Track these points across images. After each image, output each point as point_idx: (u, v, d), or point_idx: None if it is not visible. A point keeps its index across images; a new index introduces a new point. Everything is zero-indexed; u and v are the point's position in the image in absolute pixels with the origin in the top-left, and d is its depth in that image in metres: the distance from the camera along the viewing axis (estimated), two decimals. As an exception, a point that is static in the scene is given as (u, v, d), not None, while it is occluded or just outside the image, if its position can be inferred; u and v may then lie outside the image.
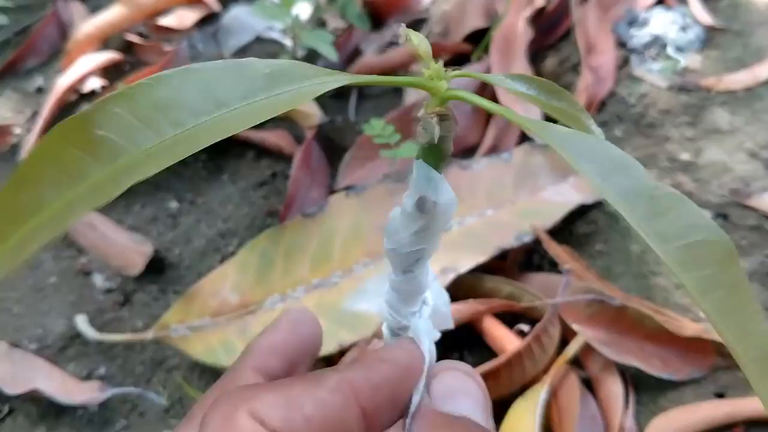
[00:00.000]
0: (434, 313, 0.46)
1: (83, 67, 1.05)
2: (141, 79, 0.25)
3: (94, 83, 1.04)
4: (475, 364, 0.65)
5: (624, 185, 0.28)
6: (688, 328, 0.65)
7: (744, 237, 0.74)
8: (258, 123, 0.26)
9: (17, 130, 1.01)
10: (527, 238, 0.72)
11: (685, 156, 0.82)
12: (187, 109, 0.25)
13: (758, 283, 0.71)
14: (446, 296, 0.44)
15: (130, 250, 0.80)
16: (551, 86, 0.31)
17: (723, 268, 0.28)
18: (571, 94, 0.32)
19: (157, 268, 0.81)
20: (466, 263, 0.69)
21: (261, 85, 0.27)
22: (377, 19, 1.11)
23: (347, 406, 0.29)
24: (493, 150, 0.89)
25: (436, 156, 0.32)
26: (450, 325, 0.47)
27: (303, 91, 0.27)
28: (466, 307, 0.66)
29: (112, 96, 0.24)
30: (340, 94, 1.04)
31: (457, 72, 0.29)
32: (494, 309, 0.67)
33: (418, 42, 0.31)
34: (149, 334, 0.70)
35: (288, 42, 1.07)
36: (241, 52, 1.11)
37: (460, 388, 0.33)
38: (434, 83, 0.31)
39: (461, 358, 0.70)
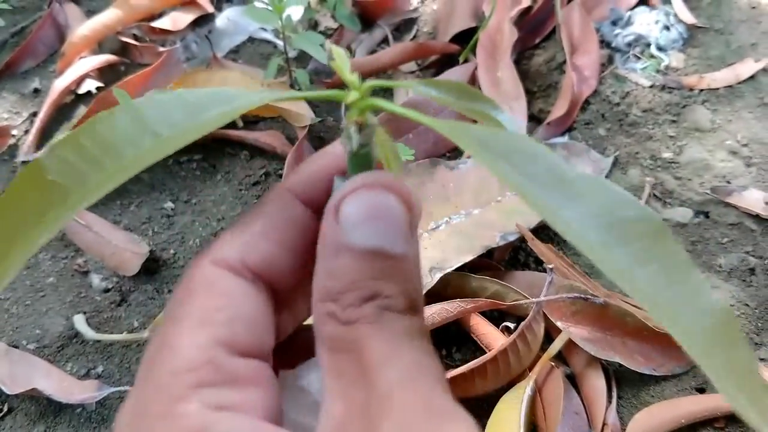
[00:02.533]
0: None
1: (79, 69, 1.06)
2: (85, 122, 0.28)
3: (90, 85, 1.06)
4: (463, 361, 0.68)
5: (537, 174, 0.30)
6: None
7: (724, 234, 0.76)
8: (189, 142, 0.29)
9: (15, 132, 1.02)
10: (512, 237, 0.74)
11: (667, 154, 0.84)
12: (126, 142, 0.28)
13: (738, 279, 0.73)
14: None
15: (126, 250, 0.82)
16: (463, 87, 0.33)
17: (654, 241, 0.30)
18: (483, 94, 0.34)
19: (152, 267, 0.83)
20: (452, 262, 0.71)
21: (189, 111, 0.30)
22: (368, 20, 1.13)
23: (289, 205, 0.31)
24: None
25: (361, 164, 0.34)
26: None
27: (227, 111, 0.30)
28: (453, 307, 0.68)
29: (60, 142, 0.28)
30: (332, 93, 1.06)
31: (371, 83, 0.31)
32: (480, 308, 0.69)
33: (338, 56, 0.33)
34: (145, 334, 0.72)
35: (280, 42, 1.09)
36: (234, 52, 1.13)
37: (375, 209, 0.29)
38: (349, 95, 0.33)
39: (449, 355, 0.72)
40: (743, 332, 0.67)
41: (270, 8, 0.92)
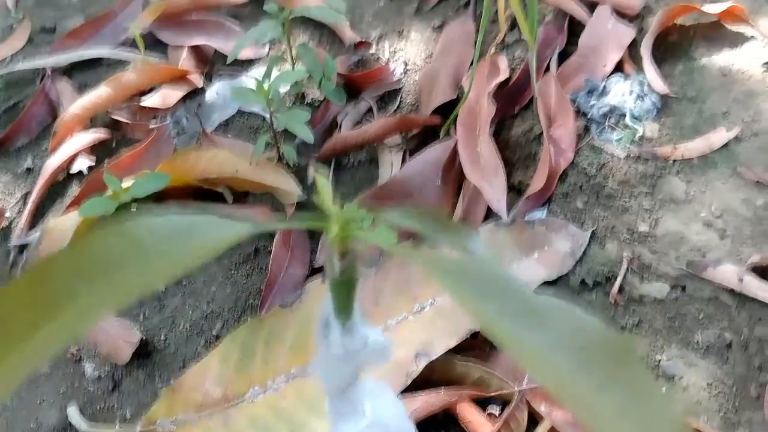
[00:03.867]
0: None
1: (71, 148, 1.09)
2: (79, 240, 0.29)
3: (82, 164, 1.08)
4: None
5: (506, 305, 0.32)
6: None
7: (701, 310, 0.79)
8: (178, 271, 0.31)
9: (8, 213, 1.05)
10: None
11: (643, 227, 0.87)
12: (117, 266, 0.30)
13: (715, 356, 0.75)
14: (406, 420, 0.48)
15: (118, 337, 0.84)
16: (438, 216, 0.35)
17: (618, 366, 0.32)
18: (455, 223, 0.37)
19: (144, 353, 0.84)
20: (438, 347, 0.73)
21: (177, 238, 0.32)
22: (353, 91, 1.16)
23: None
24: (464, 222, 0.93)
25: (344, 290, 0.37)
26: None
27: (212, 242, 0.32)
28: (438, 398, 0.70)
29: (53, 257, 0.29)
30: (318, 166, 1.09)
31: (351, 210, 0.34)
32: (464, 398, 0.71)
33: (321, 188, 0.36)
34: (137, 428, 0.74)
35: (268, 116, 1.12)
36: (224, 126, 1.16)
37: None
38: (332, 225, 0.35)
39: (436, 438, 0.74)
40: (722, 410, 0.70)
41: (255, 90, 0.95)
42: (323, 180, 0.37)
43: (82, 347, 0.85)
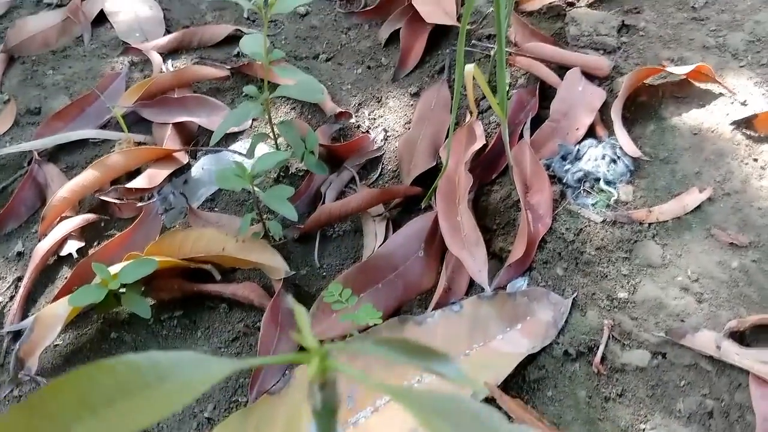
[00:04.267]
0: None
1: (60, 232, 1.11)
2: (68, 376, 0.31)
3: (72, 246, 1.10)
4: None
5: None
6: (632, 474, 0.70)
7: (682, 377, 0.81)
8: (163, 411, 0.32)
9: (0, 299, 1.06)
10: (482, 395, 0.78)
11: (622, 294, 0.89)
12: (104, 404, 0.32)
13: (698, 424, 0.77)
14: None
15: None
16: (416, 345, 0.37)
17: None
18: (430, 349, 0.39)
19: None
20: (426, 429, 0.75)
21: (160, 376, 0.34)
22: (336, 160, 1.19)
23: None
24: (448, 292, 0.95)
25: (327, 415, 0.39)
26: None
27: (198, 379, 0.33)
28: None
29: (45, 391, 0.31)
30: (304, 238, 1.11)
31: (329, 345, 0.36)
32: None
33: (302, 323, 0.38)
34: None
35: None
36: (211, 201, 1.18)
37: None
38: (312, 359, 0.37)
39: None
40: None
41: (238, 173, 0.98)
42: (303, 317, 0.39)
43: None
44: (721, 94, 1.10)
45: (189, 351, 0.36)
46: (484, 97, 1.19)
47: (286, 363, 0.38)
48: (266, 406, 0.77)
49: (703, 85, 1.12)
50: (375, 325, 0.85)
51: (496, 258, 1.01)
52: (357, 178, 1.16)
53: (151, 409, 0.32)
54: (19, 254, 1.13)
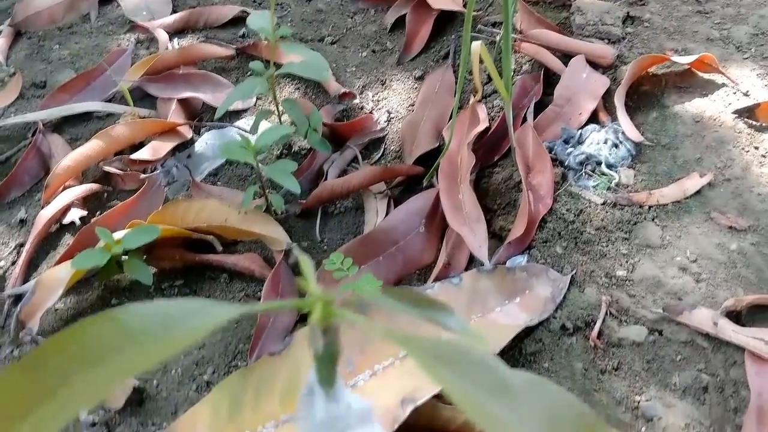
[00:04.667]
0: None
1: (63, 200, 1.11)
2: (72, 327, 0.31)
3: (75, 214, 1.11)
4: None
5: (482, 383, 0.35)
6: (627, 444, 0.71)
7: (678, 352, 0.81)
8: (168, 354, 0.33)
9: (2, 263, 1.06)
10: (478, 363, 0.78)
11: (621, 272, 0.90)
12: (111, 351, 0.32)
13: (692, 398, 0.77)
14: None
15: (112, 386, 0.85)
16: (420, 296, 0.38)
17: None
18: (437, 302, 0.40)
19: (137, 399, 0.86)
20: (423, 392, 0.75)
21: (167, 323, 0.34)
22: (338, 140, 1.19)
23: None
24: (447, 267, 0.96)
25: (328, 360, 0.40)
26: None
27: (201, 325, 0.34)
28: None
29: (49, 344, 0.31)
30: (306, 214, 1.12)
31: (333, 294, 0.36)
32: (449, 441, 0.73)
33: (306, 270, 0.39)
34: (131, 474, 0.75)
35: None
36: (214, 175, 1.19)
37: None
38: (315, 304, 0.38)
39: (422, 481, 0.75)
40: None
41: (242, 142, 0.98)
42: (307, 265, 0.40)
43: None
44: (723, 85, 1.11)
45: (193, 298, 0.37)
46: (488, 81, 1.20)
47: (290, 309, 0.38)
48: (266, 366, 0.78)
49: (706, 75, 1.13)
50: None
51: (496, 237, 1.02)
52: (359, 156, 1.17)
53: (159, 354, 0.33)
54: (22, 221, 1.13)
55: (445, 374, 0.34)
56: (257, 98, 1.29)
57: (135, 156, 1.14)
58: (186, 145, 1.22)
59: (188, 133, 1.22)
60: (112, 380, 0.32)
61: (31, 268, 1.06)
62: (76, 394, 0.31)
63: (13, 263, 1.07)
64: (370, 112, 1.24)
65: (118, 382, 0.32)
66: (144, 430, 0.84)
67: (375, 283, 0.86)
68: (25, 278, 1.04)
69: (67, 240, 1.09)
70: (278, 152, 1.20)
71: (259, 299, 0.98)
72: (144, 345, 0.34)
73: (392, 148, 1.19)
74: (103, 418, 0.85)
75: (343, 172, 1.16)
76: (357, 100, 1.26)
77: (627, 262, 0.91)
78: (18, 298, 1.01)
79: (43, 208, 1.11)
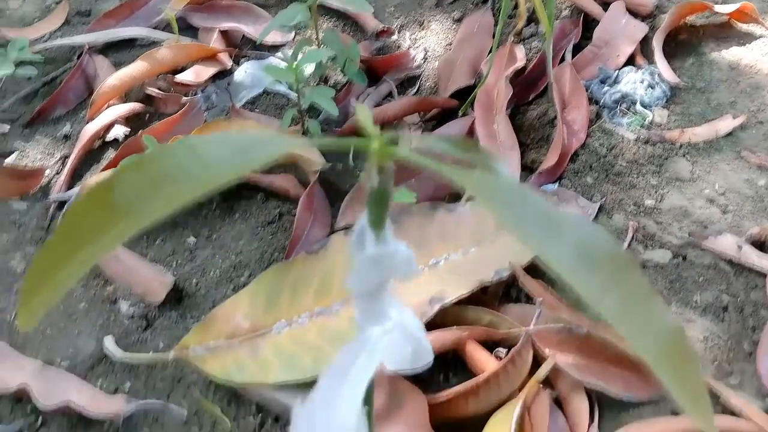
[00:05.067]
0: (411, 342, 0.55)
1: (107, 117, 1.15)
2: (148, 151, 0.34)
3: (118, 131, 1.14)
4: (457, 382, 0.74)
5: (527, 214, 0.37)
6: (647, 353, 0.73)
7: (700, 274, 0.83)
8: (236, 177, 0.36)
9: (47, 172, 1.10)
10: (506, 274, 0.81)
11: (649, 201, 0.92)
12: (182, 172, 0.35)
13: (712, 315, 0.80)
14: (422, 331, 0.53)
15: (153, 280, 0.89)
16: (464, 142, 0.41)
17: (621, 273, 0.37)
18: (483, 148, 0.42)
19: (176, 296, 0.90)
20: (451, 295, 0.78)
21: (236, 150, 0.37)
22: (374, 76, 1.22)
23: None
24: (479, 194, 0.98)
25: (380, 200, 0.43)
26: (428, 358, 0.57)
27: (269, 154, 0.37)
28: (450, 333, 0.75)
29: (125, 167, 0.34)
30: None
31: (389, 135, 0.39)
32: (475, 335, 0.76)
33: (361, 113, 0.42)
34: (170, 354, 0.79)
35: (294, 95, 1.18)
36: (251, 104, 1.22)
37: None
38: (372, 144, 0.41)
39: (446, 380, 0.78)
40: (716, 361, 0.74)
41: (285, 66, 1.01)
42: (363, 107, 0.42)
43: (117, 288, 0.90)
44: (762, 36, 1.12)
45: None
46: (527, 24, 1.22)
47: (346, 147, 0.41)
48: (303, 263, 0.81)
49: (744, 26, 1.14)
50: (409, 205, 0.88)
51: (528, 170, 1.04)
52: (395, 91, 1.20)
53: (227, 177, 0.36)
54: (66, 136, 1.17)
55: (498, 204, 0.37)
56: (295, 34, 1.32)
57: (178, 77, 1.17)
58: (225, 74, 1.25)
59: (228, 62, 1.25)
60: (182, 198, 0.35)
61: (75, 178, 1.10)
62: (148, 211, 0.34)
63: (58, 173, 1.11)
64: (407, 50, 1.26)
65: (187, 199, 0.35)
66: (183, 322, 0.87)
67: (409, 196, 0.88)
68: (69, 186, 1.08)
69: (111, 155, 1.13)
70: (315, 84, 1.22)
71: (293, 217, 1.01)
72: (215, 169, 0.36)
73: (428, 84, 1.21)
74: (143, 312, 0.88)
75: (378, 106, 1.19)
76: (395, 37, 1.28)
77: (656, 192, 0.93)
78: (62, 204, 1.04)
79: (87, 123, 1.15)
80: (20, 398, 0.80)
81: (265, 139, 0.39)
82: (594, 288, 0.37)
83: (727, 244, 0.84)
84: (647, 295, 0.41)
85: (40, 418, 0.79)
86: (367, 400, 0.57)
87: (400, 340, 0.60)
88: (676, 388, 0.42)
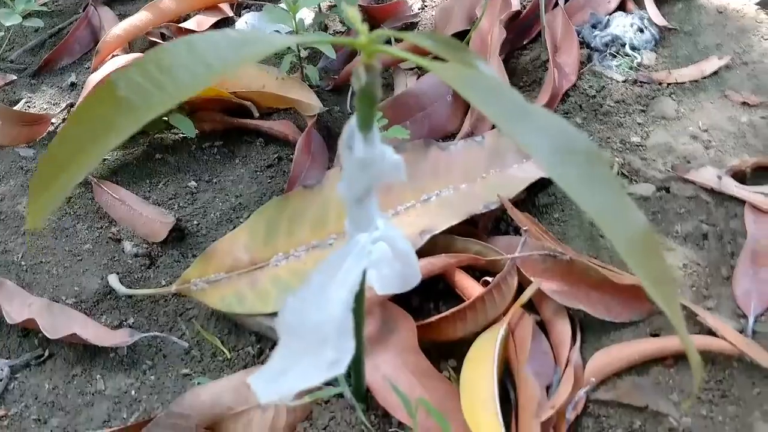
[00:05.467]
0: (399, 260, 0.59)
1: (113, 65, 1.18)
2: (148, 52, 0.37)
3: (121, 80, 1.17)
4: (446, 310, 0.78)
5: (507, 108, 0.40)
6: (628, 279, 0.77)
7: (682, 206, 0.86)
8: (232, 71, 0.38)
9: (54, 120, 1.14)
10: (494, 206, 0.85)
11: (635, 138, 0.95)
12: (182, 69, 0.38)
13: (692, 244, 0.83)
14: (411, 251, 0.57)
15: (155, 220, 0.93)
16: (452, 41, 0.44)
17: (593, 167, 0.41)
18: (468, 48, 0.45)
19: (178, 236, 0.94)
20: (440, 225, 0.82)
21: (234, 46, 0.40)
22: (373, 23, 1.24)
23: None
24: (470, 135, 1.01)
25: (367, 100, 0.45)
26: (416, 280, 0.61)
27: (262, 49, 0.39)
28: (439, 260, 0.78)
29: (128, 66, 0.37)
30: (338, 89, 1.17)
31: (378, 32, 0.42)
32: (462, 262, 0.80)
33: (349, 10, 0.44)
34: (172, 288, 0.83)
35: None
36: (251, 52, 1.24)
37: None
38: (361, 42, 0.44)
39: (436, 307, 0.82)
40: (694, 286, 0.78)
41: (285, 9, 1.04)
42: (351, 6, 0.45)
43: (121, 229, 0.94)
44: (750, -19, 1.14)
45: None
46: (521, -29, 1.24)
47: (337, 44, 0.43)
48: (300, 198, 0.84)
49: (734, -29, 1.15)
50: (403, 142, 0.91)
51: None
52: (392, 38, 1.22)
53: (224, 71, 0.38)
54: (72, 84, 1.21)
55: (480, 97, 0.39)
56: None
57: (181, 24, 1.20)
58: (227, 23, 1.28)
59: (230, 12, 1.28)
60: (183, 92, 0.38)
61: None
62: (150, 106, 0.37)
63: (64, 120, 1.14)
64: None
65: (187, 93, 0.37)
66: (184, 260, 0.91)
67: (403, 132, 0.91)
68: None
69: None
70: (314, 31, 1.25)
71: (291, 161, 1.04)
72: (212, 64, 0.39)
73: (425, 31, 1.23)
74: (146, 251, 0.92)
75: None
76: (393, -13, 1.30)
77: (642, 130, 0.96)
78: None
79: (92, 73, 1.18)
80: (27, 333, 0.85)
81: (259, 37, 0.42)
82: (571, 180, 0.40)
83: (707, 176, 0.87)
84: (618, 193, 0.45)
85: (47, 351, 0.83)
86: (358, 300, 0.61)
87: (390, 260, 0.64)
88: (644, 275, 0.46)
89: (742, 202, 0.84)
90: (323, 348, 0.48)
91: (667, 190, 0.88)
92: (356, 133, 0.50)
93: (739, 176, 0.88)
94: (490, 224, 0.89)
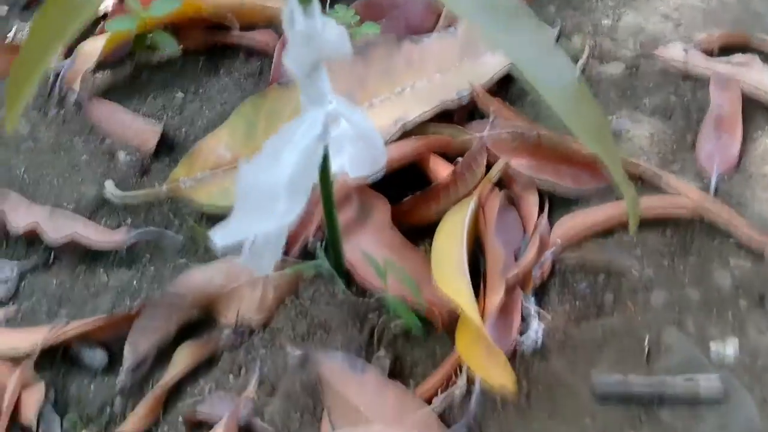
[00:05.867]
0: (362, 139, 0.62)
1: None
2: None
3: (108, 3, 1.20)
4: (422, 194, 0.81)
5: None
6: (595, 152, 0.80)
7: (650, 81, 0.89)
8: None
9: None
10: (466, 93, 0.87)
11: (606, 21, 0.96)
12: None
13: (660, 115, 0.85)
14: (373, 130, 0.60)
15: (145, 130, 0.97)
16: None
17: (520, 20, 0.44)
18: None
19: (169, 145, 0.97)
20: (414, 113, 0.85)
21: None
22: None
23: None
24: (447, 29, 1.03)
25: None
26: (383, 160, 0.64)
27: None
28: (409, 142, 0.81)
29: None
30: (320, -2, 1.19)
31: None
32: (432, 144, 0.83)
33: None
34: (164, 188, 0.87)
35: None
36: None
37: None
38: None
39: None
40: (661, 153, 0.81)
41: None
42: None
43: (115, 141, 0.98)
44: None
45: None
46: None
47: None
48: (277, 94, 0.88)
49: None
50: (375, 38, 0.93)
51: None
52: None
53: None
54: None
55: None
56: None
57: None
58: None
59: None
60: None
61: (70, 51, 1.17)
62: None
63: (55, 47, 1.17)
64: None
65: None
66: (175, 166, 0.95)
67: (375, 27, 0.94)
68: (65, 57, 1.15)
69: (102, 25, 1.19)
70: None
71: (275, 69, 1.07)
72: None
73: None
74: (139, 160, 0.96)
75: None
76: None
77: (613, 13, 0.97)
78: (59, 74, 1.11)
79: (78, -1, 1.20)
80: (32, 240, 0.89)
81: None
82: (499, 33, 0.43)
83: (675, 51, 0.89)
84: (549, 44, 0.47)
85: (52, 255, 0.88)
86: (323, 176, 0.64)
87: (353, 138, 0.67)
88: (578, 126, 0.49)
89: (708, 74, 0.86)
90: (275, 203, 0.52)
91: (637, 68, 0.90)
92: (296, 7, 0.52)
93: (708, 51, 0.89)
94: (465, 116, 0.92)
